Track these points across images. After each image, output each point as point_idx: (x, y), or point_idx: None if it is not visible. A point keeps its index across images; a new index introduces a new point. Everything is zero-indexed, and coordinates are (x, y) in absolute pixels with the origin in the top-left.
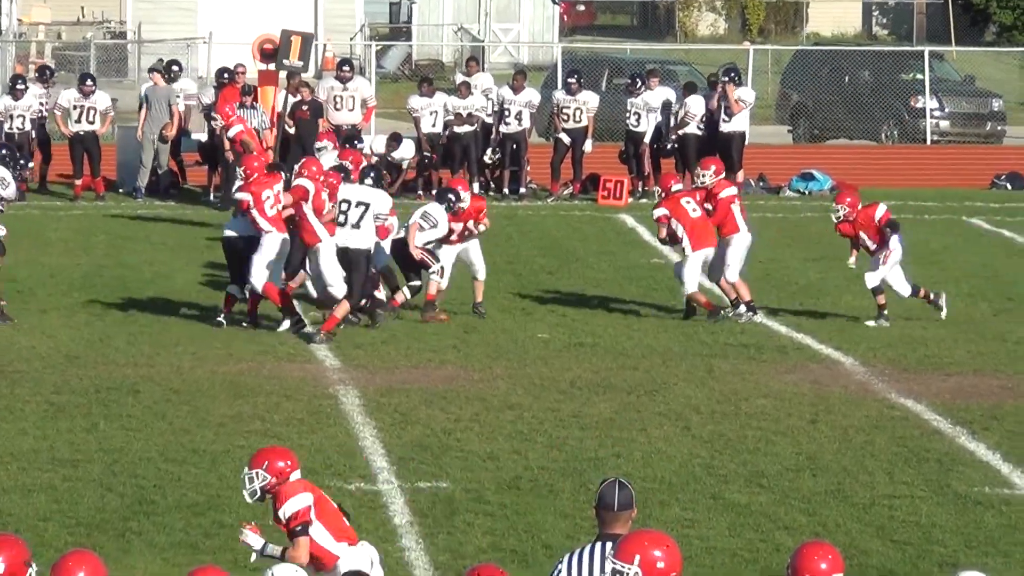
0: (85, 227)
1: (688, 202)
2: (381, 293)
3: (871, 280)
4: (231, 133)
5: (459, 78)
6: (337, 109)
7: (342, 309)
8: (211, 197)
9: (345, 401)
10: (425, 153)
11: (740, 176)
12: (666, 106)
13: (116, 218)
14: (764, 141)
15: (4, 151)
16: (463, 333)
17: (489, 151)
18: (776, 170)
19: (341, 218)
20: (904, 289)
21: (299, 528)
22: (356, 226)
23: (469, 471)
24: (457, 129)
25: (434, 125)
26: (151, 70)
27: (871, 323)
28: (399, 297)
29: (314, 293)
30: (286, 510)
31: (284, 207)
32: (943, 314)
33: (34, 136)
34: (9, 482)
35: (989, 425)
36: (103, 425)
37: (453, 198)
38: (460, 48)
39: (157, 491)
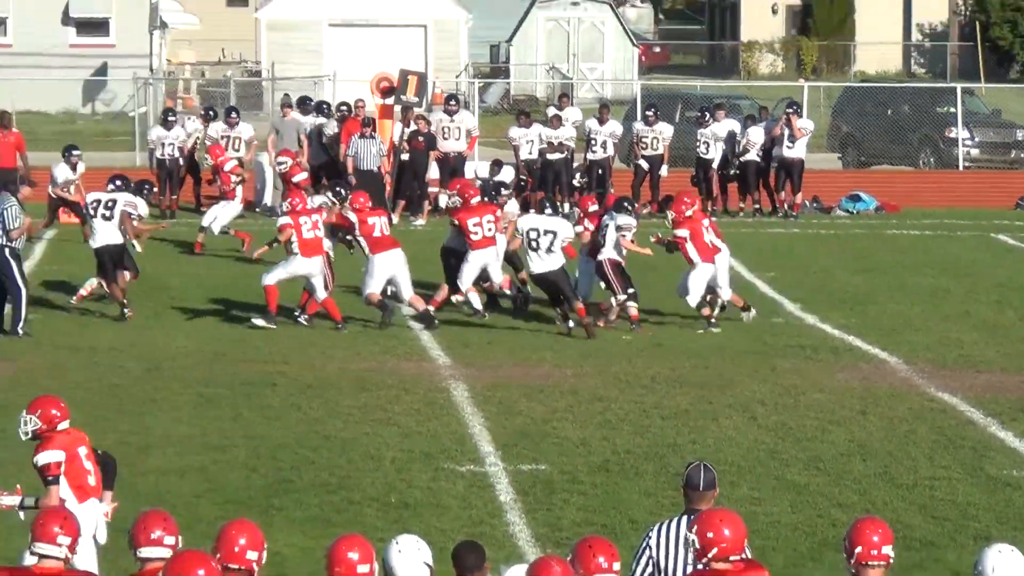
0: (228, 241)
1: (704, 224)
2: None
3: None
4: (296, 179)
5: (551, 111)
6: (445, 139)
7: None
8: None
9: (456, 394)
10: (522, 177)
11: (799, 197)
12: (731, 136)
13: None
14: (817, 167)
15: (119, 181)
16: (558, 336)
17: (578, 175)
18: (828, 192)
19: (533, 244)
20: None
21: (50, 479)
22: (549, 251)
23: (564, 455)
24: (550, 156)
25: (530, 152)
26: (282, 104)
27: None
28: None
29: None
30: (39, 460)
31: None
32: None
33: (182, 163)
34: (167, 465)
35: (1017, 416)
36: (246, 415)
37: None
38: (552, 85)
39: (294, 472)
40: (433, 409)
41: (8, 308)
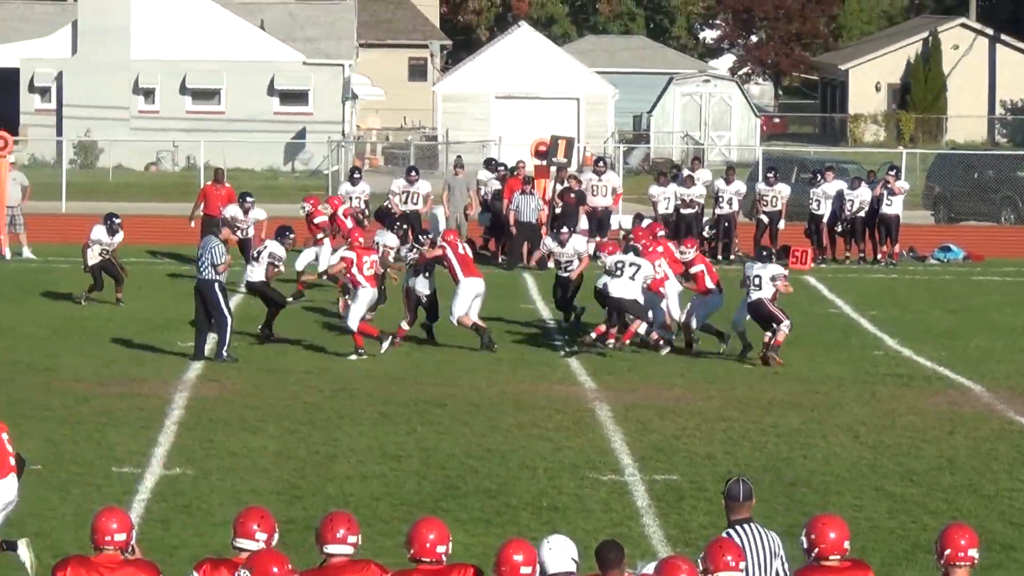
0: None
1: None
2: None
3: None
4: (317, 220)
5: (685, 172)
6: (594, 195)
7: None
8: (499, 260)
9: (600, 413)
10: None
11: (897, 247)
12: (839, 195)
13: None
14: (914, 222)
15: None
16: (688, 362)
17: (707, 227)
18: (922, 243)
19: (617, 272)
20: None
21: None
22: (631, 279)
23: (693, 467)
24: (684, 211)
25: (667, 208)
26: (454, 164)
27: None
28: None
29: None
30: None
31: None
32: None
33: (367, 214)
34: (350, 471)
35: None
36: (420, 429)
37: None
38: (686, 149)
39: (460, 480)
40: (580, 426)
41: (209, 336)
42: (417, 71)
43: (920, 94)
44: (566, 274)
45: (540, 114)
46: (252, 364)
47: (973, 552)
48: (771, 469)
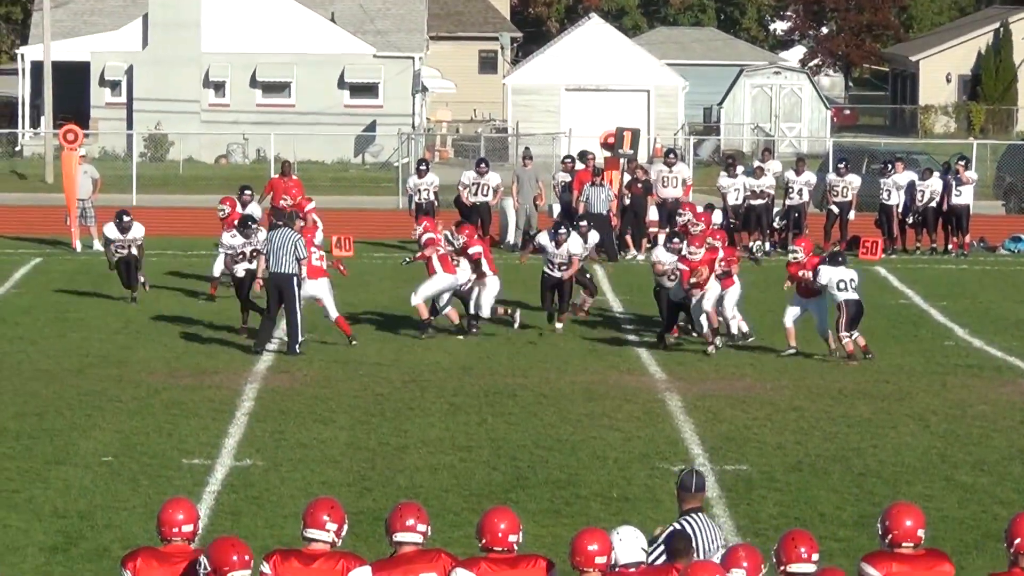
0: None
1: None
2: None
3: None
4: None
5: (755, 163)
6: (664, 187)
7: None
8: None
9: (670, 404)
10: (731, 220)
11: (967, 238)
12: (910, 185)
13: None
14: (984, 212)
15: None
16: (758, 353)
17: (777, 219)
18: (993, 234)
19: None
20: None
21: None
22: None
23: (763, 457)
24: (753, 202)
25: (737, 199)
26: (523, 156)
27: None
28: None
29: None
30: None
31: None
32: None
33: (437, 205)
34: (420, 462)
35: None
36: (490, 420)
37: None
38: (756, 141)
39: (530, 470)
40: (650, 416)
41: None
42: (487, 63)
43: (991, 85)
44: (558, 274)
45: (610, 106)
46: (323, 355)
47: None
48: (841, 459)
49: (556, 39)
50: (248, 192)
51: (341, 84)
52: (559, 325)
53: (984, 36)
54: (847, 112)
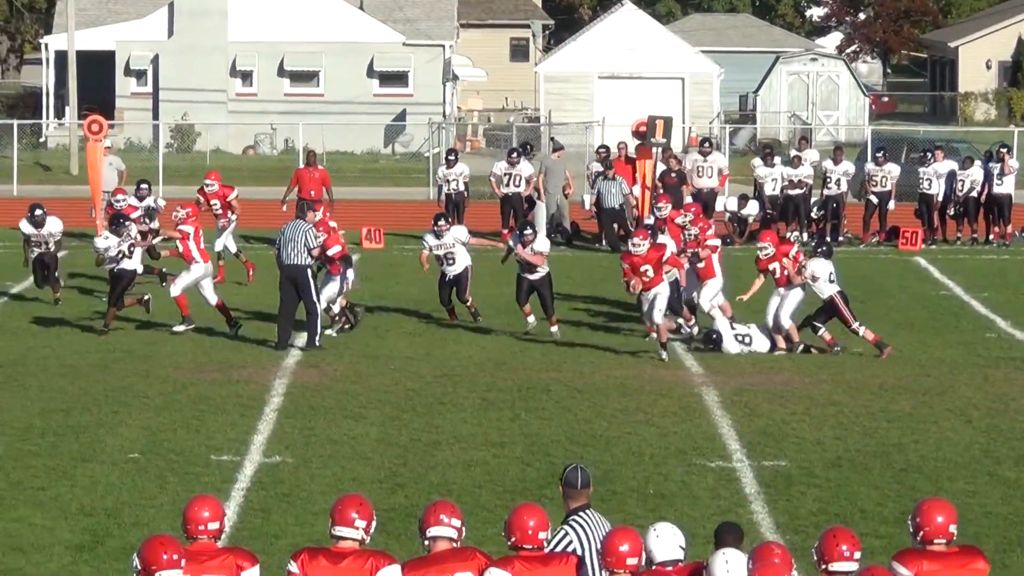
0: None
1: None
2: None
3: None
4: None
5: (792, 152)
6: (699, 176)
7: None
8: (602, 243)
9: (707, 398)
10: (768, 211)
11: (1009, 227)
12: (950, 175)
13: None
14: None
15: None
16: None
17: (815, 208)
18: None
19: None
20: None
21: None
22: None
23: (802, 452)
24: (791, 192)
25: (774, 189)
26: (553, 148)
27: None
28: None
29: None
30: None
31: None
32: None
33: (467, 196)
34: (453, 459)
35: None
36: (524, 415)
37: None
38: (793, 130)
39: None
40: (687, 411)
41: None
42: (519, 51)
43: None
44: (533, 277)
45: (644, 94)
46: (352, 350)
47: None
48: (881, 455)
49: (588, 26)
50: (144, 186)
51: (370, 73)
52: (554, 329)
53: None
54: (885, 99)
